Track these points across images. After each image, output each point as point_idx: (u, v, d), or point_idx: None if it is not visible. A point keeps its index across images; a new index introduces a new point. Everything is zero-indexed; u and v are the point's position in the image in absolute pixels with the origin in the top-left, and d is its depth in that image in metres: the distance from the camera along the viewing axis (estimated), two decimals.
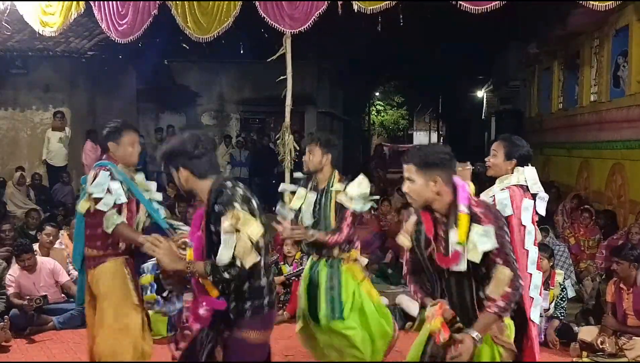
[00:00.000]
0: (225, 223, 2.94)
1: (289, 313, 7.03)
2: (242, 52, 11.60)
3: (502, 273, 2.91)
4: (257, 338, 3.13)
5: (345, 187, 4.65)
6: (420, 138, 48.81)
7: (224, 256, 2.95)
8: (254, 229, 2.96)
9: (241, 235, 2.94)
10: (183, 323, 3.29)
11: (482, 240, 2.91)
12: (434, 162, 3.00)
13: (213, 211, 3.03)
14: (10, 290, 6.59)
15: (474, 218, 2.96)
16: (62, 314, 6.62)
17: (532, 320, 4.17)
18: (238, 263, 2.95)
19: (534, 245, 4.18)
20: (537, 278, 4.20)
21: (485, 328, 2.96)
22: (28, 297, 6.43)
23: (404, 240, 3.18)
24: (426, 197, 3.02)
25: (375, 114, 41.96)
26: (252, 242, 2.96)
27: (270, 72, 8.72)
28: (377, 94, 39.67)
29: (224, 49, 12.48)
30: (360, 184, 4.64)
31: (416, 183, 3.01)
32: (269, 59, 8.12)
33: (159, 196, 4.47)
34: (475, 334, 2.91)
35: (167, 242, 3.15)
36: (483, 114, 25.99)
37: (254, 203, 3.09)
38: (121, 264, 4.21)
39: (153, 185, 4.49)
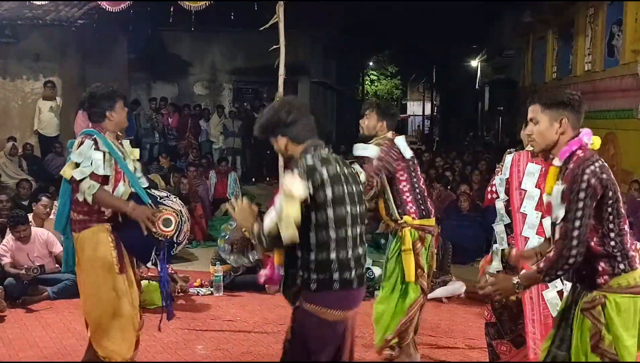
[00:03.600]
0: (279, 193, 2.94)
1: None
2: (233, 20, 11.46)
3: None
4: (322, 313, 2.98)
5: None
6: (414, 108, 48.72)
7: (265, 222, 2.95)
8: (290, 209, 2.87)
9: (283, 208, 2.88)
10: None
11: (555, 199, 2.86)
12: (562, 101, 2.89)
13: None
14: (5, 260, 6.60)
15: (562, 174, 2.88)
16: (56, 284, 6.64)
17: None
18: (278, 233, 2.90)
19: (536, 210, 4.17)
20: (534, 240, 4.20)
21: (526, 278, 2.93)
22: (25, 267, 6.44)
23: None
24: (549, 140, 2.92)
25: (369, 83, 41.78)
26: (288, 218, 2.87)
27: (263, 41, 8.63)
28: (371, 63, 39.46)
29: (215, 18, 12.35)
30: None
31: (540, 124, 2.90)
32: (262, 28, 8.03)
33: (139, 166, 4.45)
34: (516, 280, 2.92)
35: (245, 204, 3.13)
36: (477, 84, 25.92)
37: (325, 174, 2.98)
38: (106, 230, 4.20)
39: (136, 152, 4.46)
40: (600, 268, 2.87)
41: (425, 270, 4.78)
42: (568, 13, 13.17)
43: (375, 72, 42.88)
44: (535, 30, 16.02)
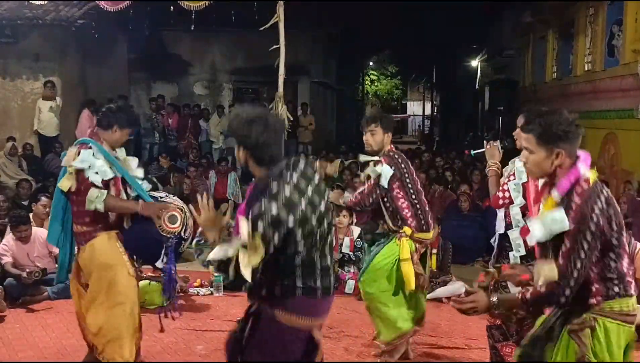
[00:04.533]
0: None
1: None
2: (233, 20, 11.45)
3: (550, 269, 2.71)
4: (285, 319, 2.88)
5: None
6: (414, 108, 48.69)
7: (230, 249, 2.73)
8: (253, 259, 2.69)
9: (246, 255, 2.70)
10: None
11: (552, 222, 2.72)
12: (558, 135, 2.73)
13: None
14: (5, 259, 6.60)
15: (563, 204, 2.74)
16: (56, 284, 6.64)
17: None
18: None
19: None
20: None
21: (505, 301, 2.87)
22: (27, 271, 6.42)
23: None
24: (545, 170, 2.81)
25: (369, 83, 41.76)
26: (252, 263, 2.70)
27: (263, 41, 8.63)
28: (371, 63, 39.44)
29: (215, 18, 12.33)
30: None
31: (536, 155, 2.79)
32: (262, 28, 8.03)
33: (140, 173, 4.47)
34: (495, 298, 2.85)
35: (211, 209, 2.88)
36: (477, 84, 25.91)
37: (298, 211, 2.76)
38: (112, 237, 4.21)
39: (134, 162, 4.48)
40: (594, 289, 2.77)
41: (426, 274, 4.86)
42: (568, 13, 13.17)
43: (375, 72, 42.87)
44: (535, 30, 16.02)
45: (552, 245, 2.78)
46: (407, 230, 4.74)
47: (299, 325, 2.90)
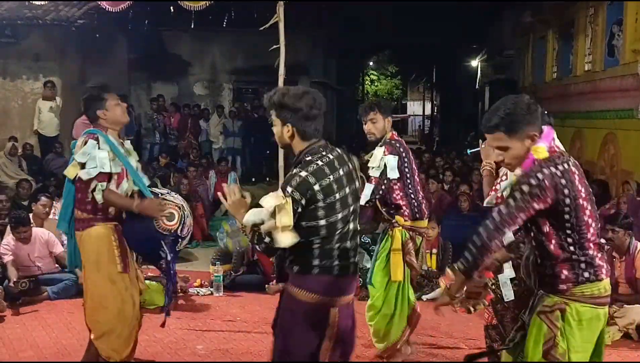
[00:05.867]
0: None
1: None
2: (233, 20, 11.45)
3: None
4: (302, 295, 2.96)
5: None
6: (414, 108, 48.67)
7: (266, 223, 2.88)
8: (285, 218, 2.83)
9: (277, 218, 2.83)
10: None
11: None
12: (524, 120, 2.75)
13: None
14: (7, 258, 6.59)
15: None
16: (56, 284, 6.64)
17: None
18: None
19: None
20: None
21: (455, 283, 2.93)
22: (14, 280, 6.40)
23: None
24: (523, 158, 2.80)
25: (369, 83, 41.73)
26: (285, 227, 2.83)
27: (263, 41, 8.62)
28: (371, 63, 39.39)
29: (215, 18, 12.34)
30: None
31: (513, 150, 2.78)
32: (262, 28, 8.02)
33: (139, 168, 4.48)
34: (447, 286, 2.95)
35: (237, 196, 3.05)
36: (477, 84, 25.89)
37: (327, 180, 2.91)
38: (109, 229, 4.21)
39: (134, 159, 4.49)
40: (563, 275, 2.77)
41: (417, 269, 4.85)
42: (568, 13, 13.16)
43: (375, 72, 42.81)
44: (535, 30, 16.01)
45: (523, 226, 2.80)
46: (400, 219, 4.74)
47: (314, 301, 2.97)
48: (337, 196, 2.93)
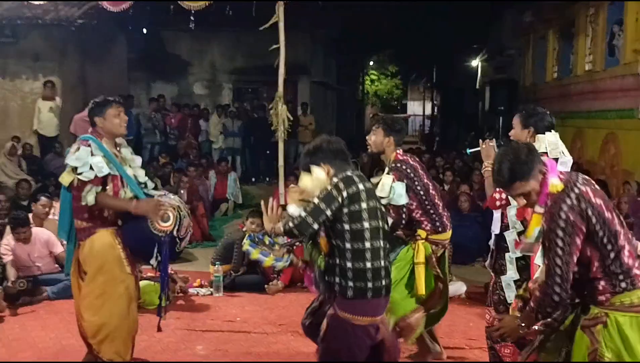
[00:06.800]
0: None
1: (284, 282, 7.07)
2: (233, 20, 11.44)
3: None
4: (355, 320, 3.37)
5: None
6: (414, 108, 48.66)
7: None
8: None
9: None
10: None
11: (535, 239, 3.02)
12: (535, 167, 2.93)
13: None
14: (7, 258, 6.58)
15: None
16: (56, 284, 6.63)
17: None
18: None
19: None
20: None
21: (526, 318, 3.03)
22: (12, 280, 6.39)
23: None
24: (539, 191, 2.99)
25: (369, 83, 41.72)
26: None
27: (263, 41, 8.62)
28: (371, 63, 39.38)
29: (215, 18, 12.31)
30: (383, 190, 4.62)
31: (533, 189, 2.92)
32: (262, 28, 8.02)
33: (142, 172, 4.46)
34: (519, 321, 3.06)
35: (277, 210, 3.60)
36: (477, 84, 25.89)
37: (361, 186, 3.48)
38: (111, 234, 4.21)
39: (138, 160, 4.48)
40: (600, 287, 2.87)
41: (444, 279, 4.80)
42: (568, 13, 13.16)
43: (375, 72, 42.79)
44: (535, 30, 16.01)
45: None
46: (422, 233, 4.68)
47: (356, 322, 3.38)
48: (372, 204, 3.48)
